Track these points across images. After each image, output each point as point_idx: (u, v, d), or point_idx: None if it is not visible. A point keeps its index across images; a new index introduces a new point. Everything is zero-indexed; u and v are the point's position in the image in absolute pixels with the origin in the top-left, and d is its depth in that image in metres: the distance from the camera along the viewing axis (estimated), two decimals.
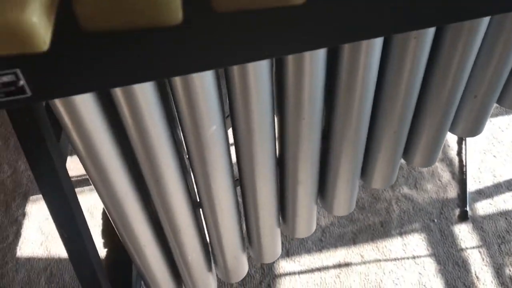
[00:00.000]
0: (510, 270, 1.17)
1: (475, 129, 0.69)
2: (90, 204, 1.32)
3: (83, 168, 0.55)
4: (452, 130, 0.71)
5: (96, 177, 0.55)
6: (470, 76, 0.59)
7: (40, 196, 1.35)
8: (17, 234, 1.27)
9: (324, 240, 1.25)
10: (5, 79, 0.30)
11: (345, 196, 0.73)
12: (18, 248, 1.24)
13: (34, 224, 1.29)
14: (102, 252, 1.17)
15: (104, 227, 1.26)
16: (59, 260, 1.22)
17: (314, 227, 0.79)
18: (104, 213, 1.29)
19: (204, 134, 0.54)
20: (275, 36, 0.37)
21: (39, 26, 0.20)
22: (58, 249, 1.24)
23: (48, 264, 1.21)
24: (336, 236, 1.26)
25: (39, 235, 1.27)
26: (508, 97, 0.66)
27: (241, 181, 0.68)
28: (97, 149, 0.52)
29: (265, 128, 0.57)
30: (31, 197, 1.35)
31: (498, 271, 1.17)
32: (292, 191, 0.69)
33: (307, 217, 0.74)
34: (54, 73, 0.31)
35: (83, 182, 1.28)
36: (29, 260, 1.22)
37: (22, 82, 0.31)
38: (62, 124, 0.47)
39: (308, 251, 1.23)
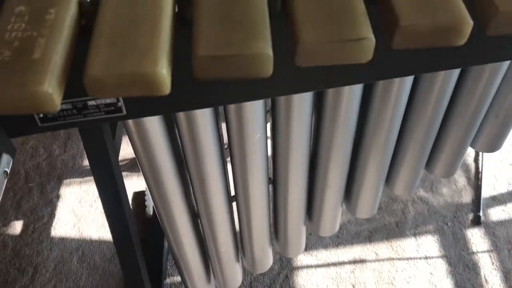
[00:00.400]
0: None
1: (493, 145, 0.74)
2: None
3: (139, 166, 0.62)
4: (472, 145, 0.76)
5: (149, 175, 0.62)
6: (494, 98, 0.64)
7: (74, 179, 1.43)
8: (52, 215, 1.35)
9: (341, 236, 1.31)
10: (108, 100, 0.36)
11: (369, 200, 0.79)
12: (52, 228, 1.32)
13: (68, 207, 1.37)
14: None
15: (136, 209, 1.33)
16: (91, 242, 1.30)
17: (337, 227, 0.85)
18: (135, 197, 1.36)
19: (247, 142, 0.60)
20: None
21: (167, 76, 0.25)
22: (90, 231, 1.31)
23: (80, 245, 1.29)
24: (353, 233, 1.32)
25: (72, 217, 1.35)
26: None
27: (274, 180, 0.74)
28: (153, 149, 0.58)
29: (302, 135, 0.63)
30: (64, 181, 1.43)
31: (507, 275, 1.23)
32: (320, 193, 0.75)
33: (332, 218, 0.80)
34: (147, 100, 0.37)
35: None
36: (62, 240, 1.30)
37: (120, 103, 0.37)
38: (126, 128, 0.53)
39: (325, 246, 1.29)
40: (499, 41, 0.49)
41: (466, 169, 1.44)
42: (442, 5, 0.33)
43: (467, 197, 1.38)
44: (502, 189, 1.39)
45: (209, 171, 0.63)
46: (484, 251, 1.27)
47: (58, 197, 1.39)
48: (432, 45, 0.33)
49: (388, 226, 1.33)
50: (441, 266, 1.25)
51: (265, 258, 0.87)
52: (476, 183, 1.40)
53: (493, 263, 1.25)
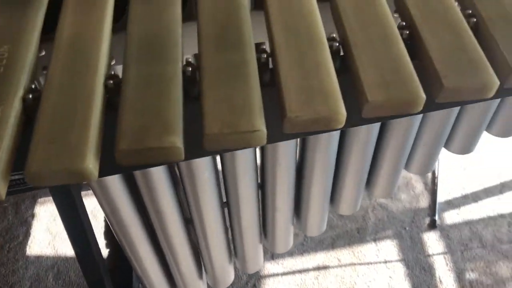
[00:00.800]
0: (470, 275, 1.31)
1: (426, 169, 0.81)
2: (93, 207, 1.44)
3: (97, 201, 0.67)
4: (406, 167, 0.84)
5: (107, 207, 0.67)
6: (420, 127, 0.72)
7: (48, 198, 1.47)
8: (27, 234, 1.39)
9: (306, 244, 1.38)
10: None
11: (317, 219, 0.86)
12: (27, 247, 1.37)
13: (42, 225, 1.41)
14: (104, 251, 1.30)
15: (106, 229, 1.38)
16: (66, 259, 1.35)
17: (291, 244, 0.92)
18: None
19: (198, 177, 0.66)
20: None
21: (94, 170, 0.32)
22: (64, 248, 1.36)
23: (55, 262, 1.34)
24: (317, 241, 1.39)
25: (47, 235, 1.39)
26: (453, 142, 0.80)
27: (228, 204, 0.80)
28: (109, 187, 0.64)
29: (247, 169, 0.69)
30: (39, 199, 1.47)
31: (459, 276, 1.31)
32: (271, 216, 0.82)
33: (284, 236, 0.87)
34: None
35: (87, 185, 1.40)
36: (38, 258, 1.35)
37: None
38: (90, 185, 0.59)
39: (291, 254, 1.36)
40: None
41: (423, 175, 1.52)
42: (399, 84, 0.39)
43: (424, 202, 1.46)
44: (456, 193, 1.48)
45: (169, 217, 0.69)
46: (439, 253, 1.36)
47: (33, 216, 1.44)
48: (393, 115, 0.39)
49: (350, 233, 1.41)
50: (400, 269, 1.33)
51: (226, 275, 0.93)
52: (432, 188, 1.49)
53: (447, 264, 1.33)
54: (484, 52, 0.43)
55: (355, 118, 0.41)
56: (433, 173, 1.51)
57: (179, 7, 0.47)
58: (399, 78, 0.40)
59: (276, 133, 0.39)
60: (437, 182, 1.48)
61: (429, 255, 1.35)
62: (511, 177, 1.50)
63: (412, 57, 0.43)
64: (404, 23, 0.45)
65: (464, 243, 1.37)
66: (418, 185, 1.50)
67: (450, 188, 1.49)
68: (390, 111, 0.40)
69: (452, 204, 1.46)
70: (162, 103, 0.37)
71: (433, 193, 1.47)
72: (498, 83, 0.40)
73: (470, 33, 0.43)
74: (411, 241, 1.38)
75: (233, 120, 0.36)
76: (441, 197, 1.46)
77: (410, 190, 1.49)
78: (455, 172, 1.52)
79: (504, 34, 0.43)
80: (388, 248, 1.37)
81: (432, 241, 1.38)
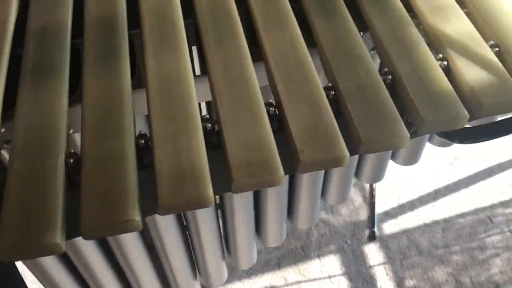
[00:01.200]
0: (409, 282, 1.38)
1: (341, 198, 0.88)
2: None
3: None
4: (322, 197, 0.90)
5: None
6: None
7: None
8: None
9: (253, 266, 1.42)
10: None
11: (246, 253, 0.90)
12: None
13: None
14: None
15: None
16: None
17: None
18: None
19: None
20: None
21: (62, 245, 0.39)
22: None
23: None
24: (263, 262, 1.43)
25: None
26: (363, 173, 0.86)
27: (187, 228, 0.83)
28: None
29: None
30: None
31: (399, 284, 1.38)
32: (201, 256, 0.86)
33: (217, 270, 0.91)
34: None
35: None
36: None
37: None
38: None
39: (239, 278, 1.40)
40: None
41: (361, 188, 1.58)
42: (263, 163, 0.44)
43: (363, 214, 1.53)
44: (393, 203, 1.55)
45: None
46: (380, 264, 1.42)
47: None
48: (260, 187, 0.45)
49: (295, 251, 1.46)
50: (343, 283, 1.38)
51: None
52: (370, 200, 1.55)
53: (387, 274, 1.40)
54: (343, 123, 0.48)
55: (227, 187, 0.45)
56: (371, 186, 1.58)
57: (65, 97, 0.50)
58: (262, 156, 0.44)
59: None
60: (374, 194, 1.55)
61: (370, 267, 1.42)
62: (444, 183, 1.58)
63: (280, 131, 0.48)
64: (270, 100, 0.49)
65: (403, 252, 1.44)
66: (357, 198, 1.56)
67: (387, 198, 1.56)
68: (256, 187, 0.45)
69: (390, 214, 1.53)
70: (43, 197, 0.40)
71: (371, 205, 1.54)
72: (348, 156, 0.45)
73: (329, 107, 0.48)
74: (352, 254, 1.44)
75: (108, 211, 0.40)
76: (379, 208, 1.53)
77: (350, 203, 1.55)
78: (391, 183, 1.59)
79: (357, 106, 0.48)
80: (332, 263, 1.43)
81: (373, 253, 1.44)
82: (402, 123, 0.47)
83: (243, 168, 0.44)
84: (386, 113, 0.48)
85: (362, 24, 0.58)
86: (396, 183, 1.59)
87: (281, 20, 0.57)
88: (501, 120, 0.60)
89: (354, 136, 0.47)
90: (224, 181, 0.45)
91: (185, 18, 0.58)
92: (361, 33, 0.60)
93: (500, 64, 0.51)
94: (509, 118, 0.49)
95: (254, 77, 0.51)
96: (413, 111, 0.49)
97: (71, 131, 0.57)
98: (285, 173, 0.44)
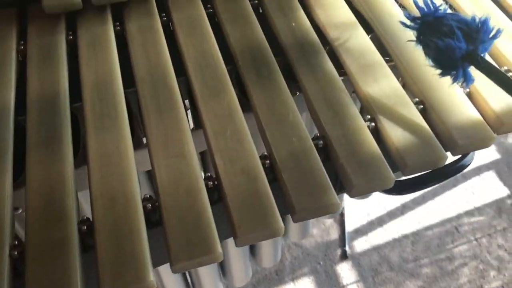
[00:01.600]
0: None
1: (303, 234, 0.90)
2: None
3: None
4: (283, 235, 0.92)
5: None
6: None
7: None
8: None
9: None
10: None
11: None
12: None
13: None
14: None
15: None
16: None
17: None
18: None
19: None
20: None
21: None
22: None
23: None
24: None
25: None
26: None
27: None
28: None
29: None
30: None
31: None
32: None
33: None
34: None
35: None
36: None
37: None
38: None
39: None
40: None
41: None
42: (201, 242, 0.46)
43: (334, 234, 1.56)
44: (362, 221, 1.58)
45: None
46: (353, 282, 1.45)
47: None
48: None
49: (269, 276, 1.48)
50: None
51: None
52: (340, 219, 1.58)
53: None
54: (280, 194, 0.50)
55: None
56: None
57: (10, 181, 0.51)
58: (200, 234, 0.46)
59: None
60: (344, 213, 1.58)
61: (343, 286, 1.44)
62: (410, 197, 1.62)
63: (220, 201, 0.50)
64: (209, 174, 0.51)
65: (374, 269, 1.47)
66: (328, 218, 1.59)
67: (356, 216, 1.59)
68: (197, 265, 0.47)
69: (360, 231, 1.56)
70: None
71: (341, 223, 1.57)
72: (283, 228, 0.47)
73: (264, 178, 0.50)
74: (326, 275, 1.47)
75: None
76: (349, 227, 1.56)
77: (321, 224, 1.58)
78: (359, 200, 1.62)
79: (291, 174, 0.50)
80: (306, 286, 1.45)
81: (345, 272, 1.47)
82: (333, 190, 0.49)
83: (182, 250, 0.46)
84: (318, 180, 0.50)
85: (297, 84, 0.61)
86: (364, 200, 1.62)
87: (218, 88, 0.59)
88: (426, 173, 0.63)
89: (288, 205, 0.49)
90: (165, 260, 0.47)
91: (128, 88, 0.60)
92: (297, 93, 0.62)
93: (424, 123, 0.54)
94: (433, 170, 0.52)
95: (193, 151, 0.53)
96: (344, 175, 0.51)
97: (20, 211, 0.58)
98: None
